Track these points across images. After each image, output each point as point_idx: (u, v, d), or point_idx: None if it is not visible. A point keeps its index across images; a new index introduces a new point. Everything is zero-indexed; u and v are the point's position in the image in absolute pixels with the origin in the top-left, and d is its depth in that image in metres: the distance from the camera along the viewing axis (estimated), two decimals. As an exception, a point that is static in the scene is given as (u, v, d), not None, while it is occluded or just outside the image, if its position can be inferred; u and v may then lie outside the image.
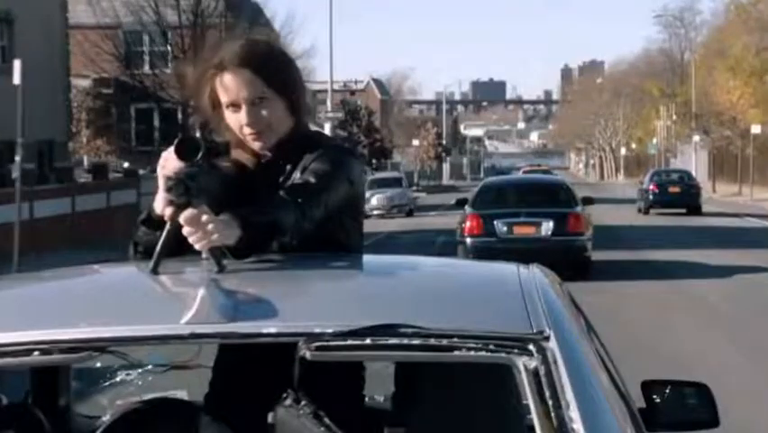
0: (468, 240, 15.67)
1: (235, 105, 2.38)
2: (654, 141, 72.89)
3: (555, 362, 1.75)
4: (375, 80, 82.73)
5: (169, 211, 2.09)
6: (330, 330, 1.76)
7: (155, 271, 2.06)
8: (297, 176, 2.36)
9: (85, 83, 29.29)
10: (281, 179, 2.37)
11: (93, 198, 22.66)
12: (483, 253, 14.99)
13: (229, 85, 2.37)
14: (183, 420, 2.18)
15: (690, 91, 58.69)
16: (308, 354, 1.74)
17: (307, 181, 2.32)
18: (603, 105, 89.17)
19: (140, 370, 2.63)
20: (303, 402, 1.84)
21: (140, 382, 2.78)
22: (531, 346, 1.77)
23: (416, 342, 1.76)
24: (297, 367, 1.76)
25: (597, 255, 16.08)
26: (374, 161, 49.48)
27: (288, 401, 1.85)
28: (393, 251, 16.19)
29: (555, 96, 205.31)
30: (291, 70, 2.47)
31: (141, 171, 24.37)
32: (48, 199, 20.72)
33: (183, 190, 2.06)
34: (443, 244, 19.93)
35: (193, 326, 1.79)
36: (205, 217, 2.04)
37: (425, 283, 2.24)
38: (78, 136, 28.78)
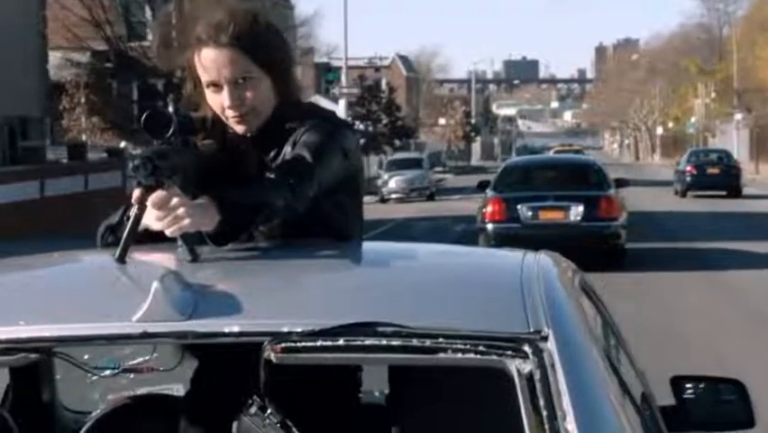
0: (489, 226, 14.68)
1: (216, 86, 2.23)
2: (692, 119, 72.57)
3: (553, 366, 1.60)
4: (401, 57, 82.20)
5: (136, 193, 1.95)
6: (299, 329, 1.63)
7: (121, 260, 1.91)
8: (287, 151, 2.23)
9: (83, 57, 27.96)
10: (270, 157, 2.24)
11: (67, 180, 20.77)
12: (506, 240, 13.91)
13: (208, 63, 2.22)
14: (173, 417, 2.16)
15: (731, 67, 58.11)
16: (273, 357, 1.63)
17: (297, 156, 2.18)
18: (638, 82, 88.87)
19: (131, 363, 2.43)
20: (269, 411, 1.77)
21: (132, 377, 2.56)
22: (526, 348, 1.62)
23: (395, 343, 1.62)
24: (263, 371, 1.65)
25: (630, 243, 15.22)
26: (396, 140, 48.50)
27: (254, 409, 1.79)
28: (402, 240, 14.95)
29: (589, 75, 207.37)
30: (278, 44, 2.31)
31: (129, 149, 22.70)
32: (11, 183, 18.94)
33: (151, 170, 1.92)
34: (461, 233, 18.72)
35: (145, 324, 1.65)
36: (175, 200, 1.91)
37: (414, 275, 2.02)
38: (72, 113, 27.56)
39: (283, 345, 1.62)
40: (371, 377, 2.24)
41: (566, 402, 1.55)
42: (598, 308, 2.19)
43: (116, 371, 2.35)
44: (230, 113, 2.22)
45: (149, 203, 1.92)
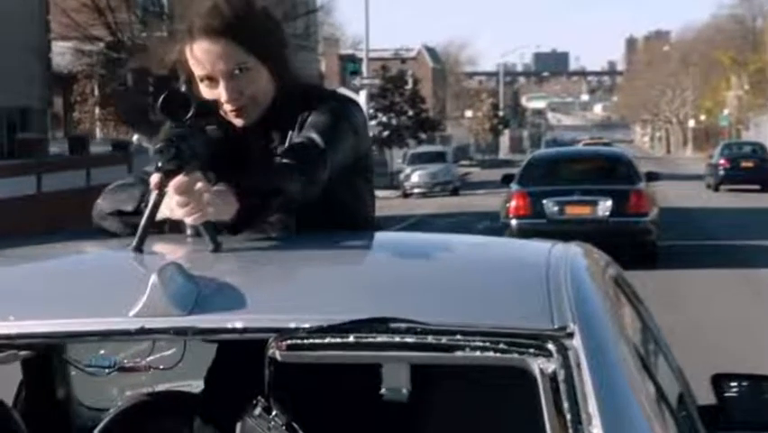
0: (513, 222, 14.25)
1: (211, 79, 2.15)
2: (725, 112, 72.30)
3: (579, 365, 1.51)
4: (427, 48, 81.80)
5: (155, 179, 1.86)
6: (306, 325, 1.55)
7: (139, 250, 1.84)
8: (293, 135, 2.15)
9: (93, 47, 27.37)
10: (275, 144, 2.17)
11: (67, 175, 19.85)
12: (530, 236, 12.97)
13: (201, 57, 2.13)
14: (192, 414, 2.12)
15: (764, 59, 57.04)
16: (278, 355, 1.54)
17: (307, 139, 2.09)
18: (670, 74, 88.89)
19: (150, 358, 2.37)
20: (275, 412, 1.70)
21: (152, 373, 2.44)
22: (550, 345, 1.53)
23: (409, 340, 1.54)
24: (267, 370, 1.59)
25: (661, 239, 14.78)
26: (421, 133, 47.74)
27: (258, 411, 1.72)
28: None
29: (620, 68, 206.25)
30: (273, 29, 2.23)
31: (139, 142, 21.99)
32: (6, 178, 18.12)
33: (173, 154, 1.84)
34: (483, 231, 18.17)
35: (143, 319, 1.57)
36: (199, 186, 1.84)
37: (430, 267, 1.93)
38: (84, 105, 26.98)
39: (289, 341, 1.53)
40: (399, 373, 2.13)
41: (592, 405, 1.46)
42: (633, 304, 2.10)
43: (112, 369, 2.28)
44: (228, 106, 2.14)
45: (171, 188, 1.83)
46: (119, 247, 1.97)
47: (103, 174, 20.50)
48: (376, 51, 40.13)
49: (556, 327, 1.56)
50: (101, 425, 2.30)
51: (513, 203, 14.35)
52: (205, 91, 2.14)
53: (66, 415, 2.55)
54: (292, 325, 1.54)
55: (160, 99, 1.93)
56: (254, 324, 1.57)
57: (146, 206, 1.90)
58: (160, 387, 2.47)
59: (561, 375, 1.49)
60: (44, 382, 2.51)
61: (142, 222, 1.87)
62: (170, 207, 1.86)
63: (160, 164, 1.84)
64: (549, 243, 2.03)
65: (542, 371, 1.50)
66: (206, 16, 2.13)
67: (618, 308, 1.87)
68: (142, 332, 1.58)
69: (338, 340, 1.53)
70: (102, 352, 2.36)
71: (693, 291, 12.17)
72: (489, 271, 1.90)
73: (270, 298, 1.69)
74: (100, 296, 1.70)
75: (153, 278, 1.58)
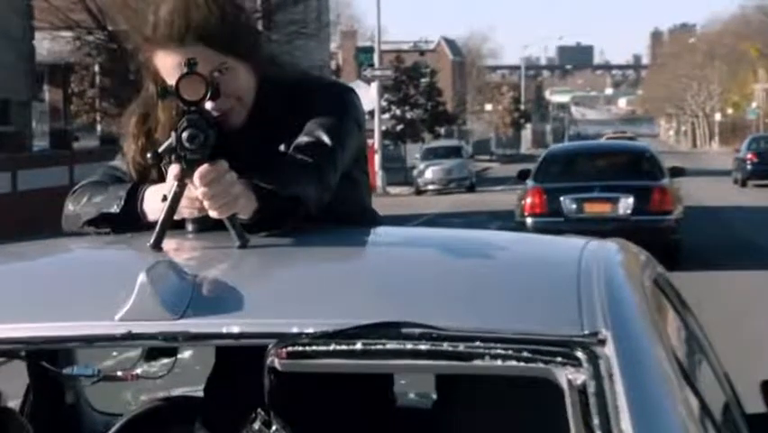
0: (528, 220, 13.64)
1: None
2: (753, 105, 72.15)
3: (611, 376, 1.41)
4: (447, 40, 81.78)
5: (176, 170, 1.77)
6: (310, 330, 1.45)
7: (158, 248, 1.76)
8: (294, 126, 2.03)
9: (89, 37, 26.78)
10: (271, 140, 2.03)
11: (48, 172, 18.62)
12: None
13: (172, 68, 1.96)
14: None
15: None
16: (278, 363, 1.45)
17: (314, 140, 1.99)
18: (696, 67, 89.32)
19: (165, 361, 2.28)
20: (275, 427, 1.60)
21: (168, 376, 2.36)
22: (579, 353, 1.43)
23: (423, 347, 1.43)
24: (267, 380, 1.48)
25: (686, 238, 14.23)
26: (438, 127, 47.11)
27: (257, 425, 1.62)
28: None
29: (645, 61, 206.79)
30: (244, 21, 2.07)
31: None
32: None
33: (203, 141, 1.75)
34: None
35: (129, 323, 1.49)
36: (230, 176, 1.75)
37: (446, 266, 1.77)
38: (83, 97, 26.40)
39: (290, 348, 1.44)
40: (410, 377, 2.03)
41: (626, 422, 1.35)
42: (675, 307, 2.00)
43: (96, 379, 2.18)
44: (214, 113, 1.96)
45: (198, 178, 1.73)
46: (108, 243, 1.91)
47: (89, 171, 19.65)
48: (394, 44, 39.45)
49: (586, 332, 1.47)
50: (113, 430, 2.27)
51: (528, 200, 13.76)
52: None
53: (76, 420, 2.48)
54: (294, 330, 1.45)
55: (177, 80, 1.80)
56: (252, 328, 1.48)
57: (128, 205, 1.86)
58: (176, 391, 2.40)
59: (591, 387, 1.39)
60: (52, 387, 2.44)
61: (162, 217, 1.77)
62: (190, 200, 1.78)
63: (182, 153, 1.74)
64: (582, 239, 1.91)
65: (570, 382, 1.41)
66: (170, 23, 1.97)
67: (658, 311, 1.76)
68: (129, 337, 1.48)
69: (344, 347, 1.44)
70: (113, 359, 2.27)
71: (719, 294, 11.53)
72: (512, 269, 1.79)
73: (270, 300, 1.59)
74: (84, 297, 1.61)
75: (142, 277, 1.49)
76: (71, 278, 1.74)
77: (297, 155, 1.95)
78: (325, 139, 1.98)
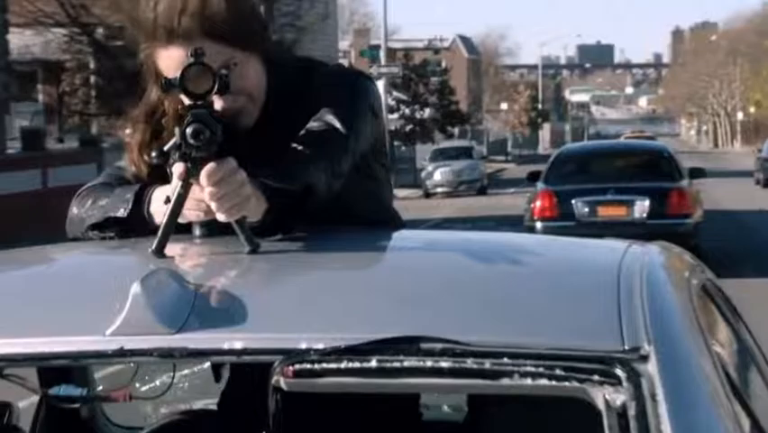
0: (538, 225, 13.04)
1: None
2: None
3: (654, 396, 1.34)
4: (462, 38, 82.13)
5: (180, 168, 1.68)
6: (320, 345, 1.38)
7: (160, 253, 1.68)
8: (306, 120, 1.95)
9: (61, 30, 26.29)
10: (284, 129, 1.94)
11: (17, 176, 17.53)
12: None
13: (176, 67, 1.83)
14: None
15: None
16: (284, 383, 1.38)
17: (326, 127, 1.92)
18: (717, 65, 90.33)
19: (186, 372, 2.32)
20: None
21: (187, 386, 2.40)
22: (618, 371, 1.36)
23: (445, 364, 1.37)
24: (272, 400, 1.41)
25: (706, 243, 13.48)
26: (450, 127, 46.59)
27: None
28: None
29: (666, 60, 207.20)
30: (250, 11, 2.01)
31: (106, 141, 19.98)
32: None
33: (209, 137, 1.65)
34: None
35: (122, 338, 1.42)
36: (240, 176, 1.66)
37: (471, 274, 1.68)
38: (74, 97, 25.84)
39: (297, 366, 1.36)
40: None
41: None
42: (726, 317, 1.90)
43: (86, 401, 2.08)
44: (226, 111, 1.88)
45: (205, 177, 1.63)
46: (107, 249, 1.85)
47: (65, 174, 18.24)
48: (408, 42, 38.85)
49: (627, 348, 1.39)
50: None
51: (538, 203, 13.22)
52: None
53: None
54: (302, 345, 1.38)
55: (182, 71, 1.70)
56: (256, 344, 1.39)
57: (135, 208, 1.81)
58: (198, 405, 2.34)
59: (631, 409, 1.32)
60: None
61: (165, 220, 1.67)
62: (196, 201, 1.69)
63: (188, 151, 1.65)
64: (623, 242, 1.81)
65: (608, 403, 1.34)
66: (175, 18, 1.87)
67: (707, 323, 1.64)
68: (121, 354, 1.41)
69: (357, 365, 1.36)
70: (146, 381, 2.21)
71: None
72: (543, 276, 1.68)
73: (278, 311, 1.50)
74: (73, 309, 1.53)
75: (135, 287, 1.41)
76: (60, 287, 1.65)
77: (307, 141, 1.87)
78: (337, 124, 1.91)
